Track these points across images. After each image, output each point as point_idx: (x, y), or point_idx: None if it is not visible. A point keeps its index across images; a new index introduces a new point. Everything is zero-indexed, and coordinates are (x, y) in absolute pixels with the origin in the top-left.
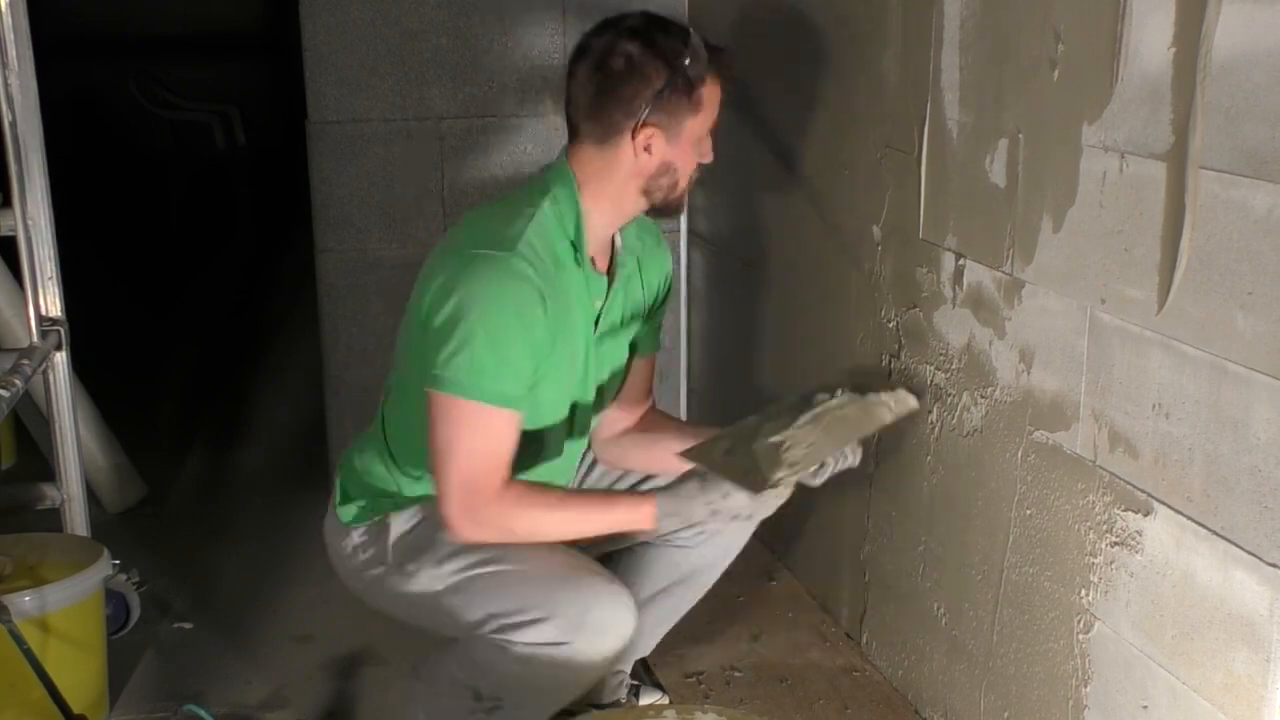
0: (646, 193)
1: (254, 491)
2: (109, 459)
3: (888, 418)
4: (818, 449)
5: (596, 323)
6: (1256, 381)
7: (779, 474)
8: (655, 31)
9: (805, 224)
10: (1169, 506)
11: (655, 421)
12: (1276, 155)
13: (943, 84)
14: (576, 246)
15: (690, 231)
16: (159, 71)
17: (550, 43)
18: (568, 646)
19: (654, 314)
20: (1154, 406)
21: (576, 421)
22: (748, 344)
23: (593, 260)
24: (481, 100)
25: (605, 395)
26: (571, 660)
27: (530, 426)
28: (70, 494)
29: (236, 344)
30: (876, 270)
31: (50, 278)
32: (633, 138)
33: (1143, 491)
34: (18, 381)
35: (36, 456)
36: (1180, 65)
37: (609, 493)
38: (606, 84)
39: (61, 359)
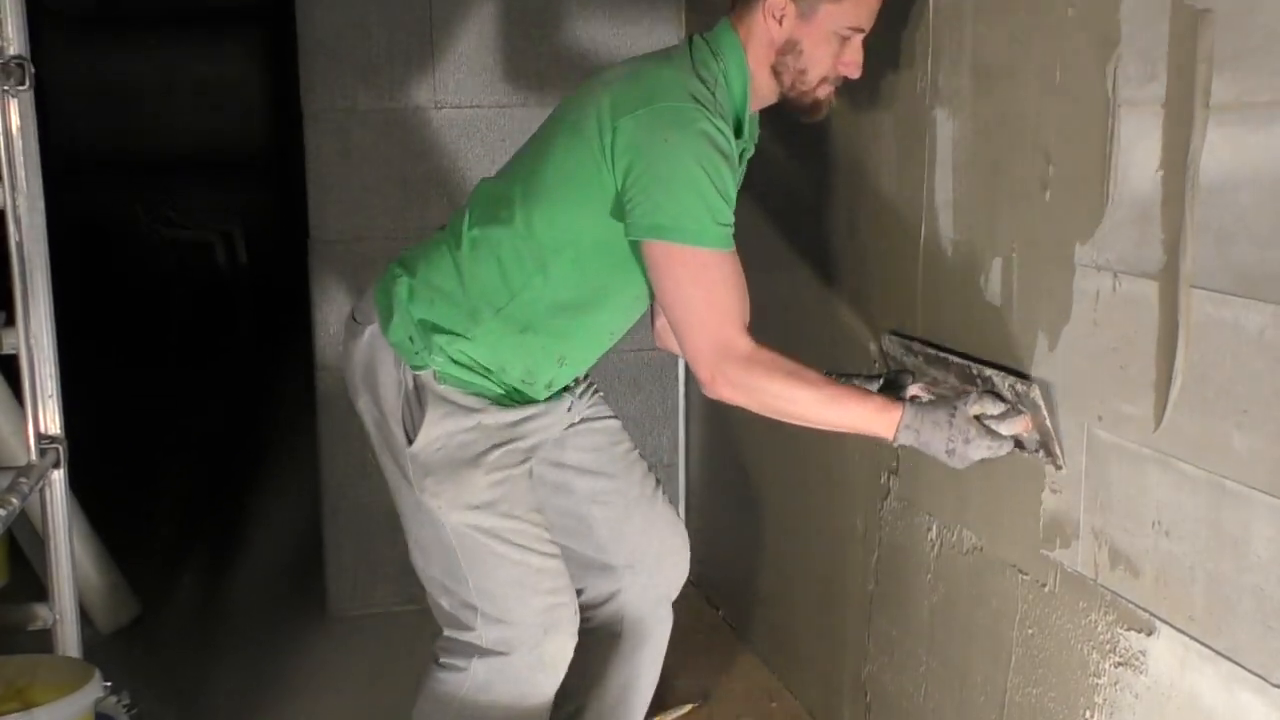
0: (776, 72)
1: (249, 610)
2: (103, 578)
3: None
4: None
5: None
6: (1255, 500)
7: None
8: None
9: (802, 340)
10: (1172, 626)
11: None
12: (1267, 275)
13: (938, 203)
14: (741, 112)
15: None
16: (164, 192)
17: None
18: (509, 662)
19: None
20: (1154, 524)
21: None
22: (746, 460)
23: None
24: None
25: None
26: (520, 682)
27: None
28: (63, 614)
29: (235, 461)
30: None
31: (50, 396)
32: (765, 1)
33: (1145, 611)
34: (15, 500)
35: (28, 573)
36: (1169, 187)
37: (861, 389)
38: None
39: (59, 477)
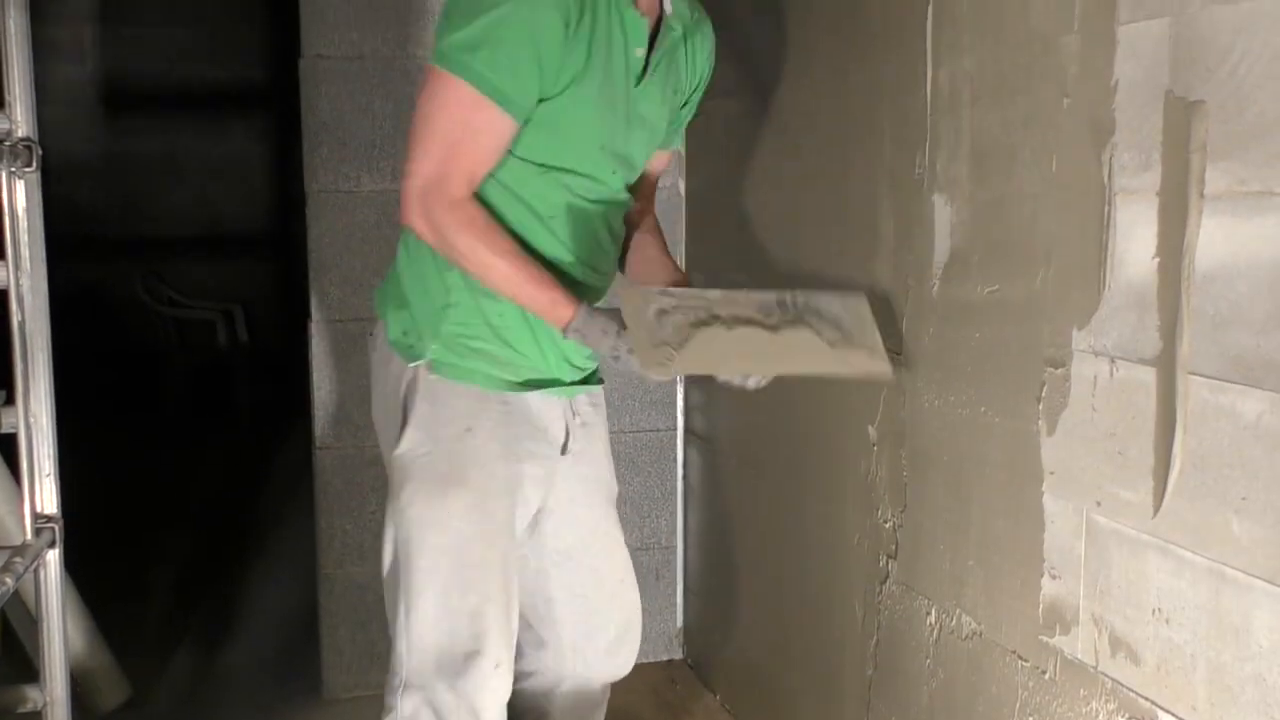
0: None
1: (242, 691)
2: (95, 659)
3: (844, 370)
4: (742, 361)
5: (640, 77)
6: (1256, 588)
7: (677, 367)
8: None
9: (801, 424)
10: (1174, 715)
11: (645, 230)
12: (1263, 362)
13: (934, 293)
14: None
15: (686, 430)
16: (165, 270)
17: None
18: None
19: (689, 100)
20: (1154, 611)
21: (617, 173)
22: (745, 543)
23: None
24: None
25: (635, 163)
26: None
27: (559, 157)
28: (53, 697)
29: (230, 540)
30: (872, 471)
31: (48, 475)
32: None
33: (1146, 699)
34: (9, 580)
35: (20, 653)
36: (1165, 274)
37: (549, 276)
38: None
39: (54, 557)
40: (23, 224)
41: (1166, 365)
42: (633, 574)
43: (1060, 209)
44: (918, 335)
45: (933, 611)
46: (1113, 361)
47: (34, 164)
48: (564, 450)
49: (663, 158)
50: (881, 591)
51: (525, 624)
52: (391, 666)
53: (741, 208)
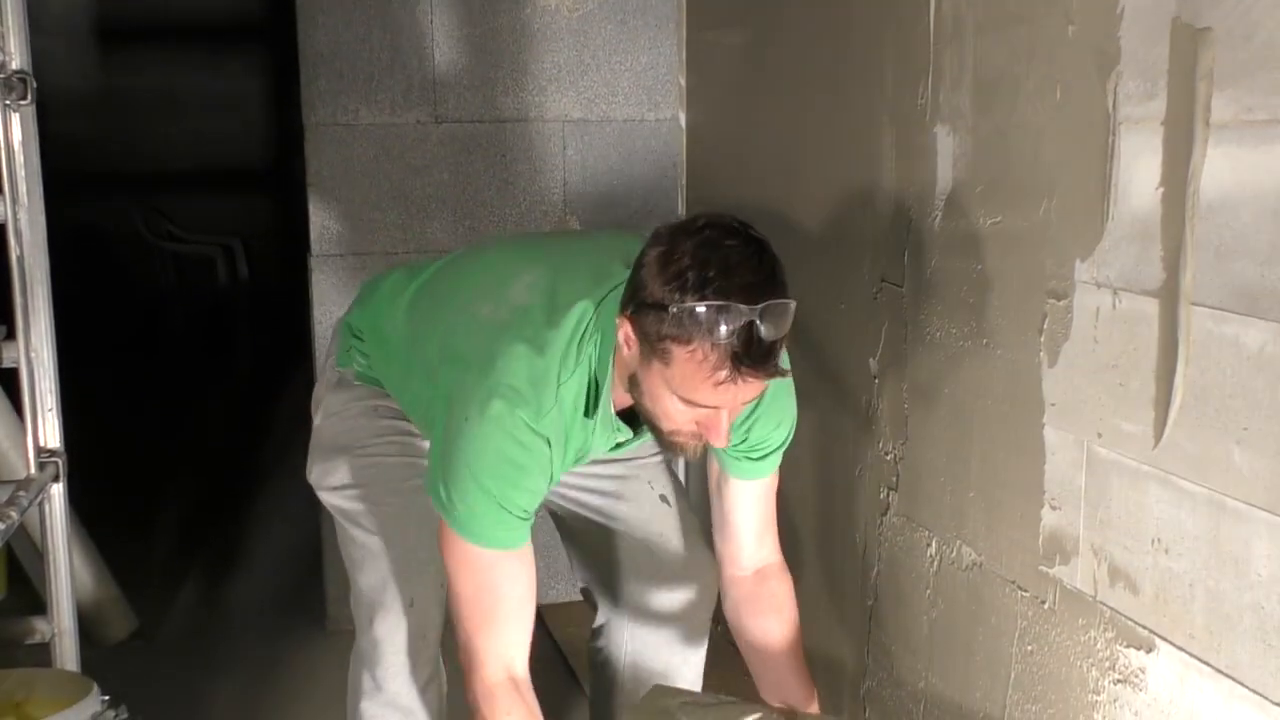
0: (628, 389)
1: (248, 624)
2: (102, 592)
3: None
4: None
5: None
6: (1255, 517)
7: None
8: (699, 252)
9: (800, 356)
10: (1171, 644)
11: (767, 598)
12: (1267, 292)
13: (937, 224)
14: (594, 404)
15: None
16: (164, 205)
17: (550, 179)
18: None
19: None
20: (1153, 541)
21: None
22: None
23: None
24: (481, 234)
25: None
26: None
27: None
28: (61, 628)
29: (234, 474)
30: (874, 403)
31: (50, 409)
32: (622, 314)
33: (1144, 628)
34: (14, 514)
35: (27, 587)
36: (1169, 205)
37: None
38: (639, 259)
39: (58, 491)
40: (18, 157)
41: (1169, 296)
42: (679, 523)
43: (1064, 139)
44: (919, 267)
45: (933, 543)
46: (1115, 293)
47: (29, 97)
48: None
49: (742, 491)
50: (882, 523)
51: (595, 579)
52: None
53: (742, 140)
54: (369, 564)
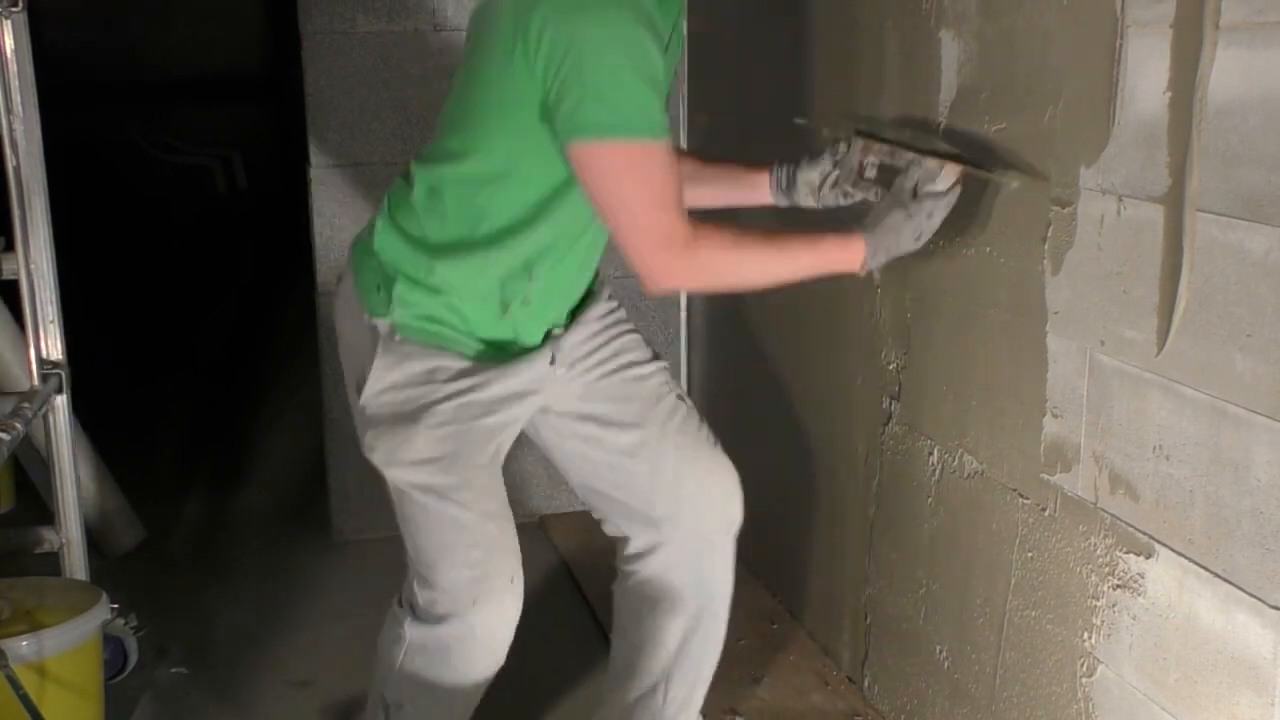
0: None
1: (254, 534)
2: (109, 503)
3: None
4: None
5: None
6: (1256, 424)
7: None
8: None
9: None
10: (1170, 549)
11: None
12: (1273, 198)
13: (940, 130)
14: None
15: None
16: (162, 116)
17: None
18: (438, 632)
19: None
20: (1154, 449)
21: None
22: (747, 387)
23: None
24: None
25: None
26: (450, 653)
27: None
28: (69, 538)
29: (237, 387)
30: (876, 313)
31: (51, 321)
32: None
33: (1144, 534)
34: (18, 425)
35: (35, 500)
36: (1176, 109)
37: (810, 236)
38: None
39: (62, 402)
40: (11, 66)
41: (1174, 203)
42: (705, 430)
43: (1071, 43)
44: None
45: (935, 451)
46: (1120, 200)
47: (20, 3)
48: (560, 364)
49: None
50: (884, 433)
51: (628, 511)
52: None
53: (744, 46)
54: (463, 543)
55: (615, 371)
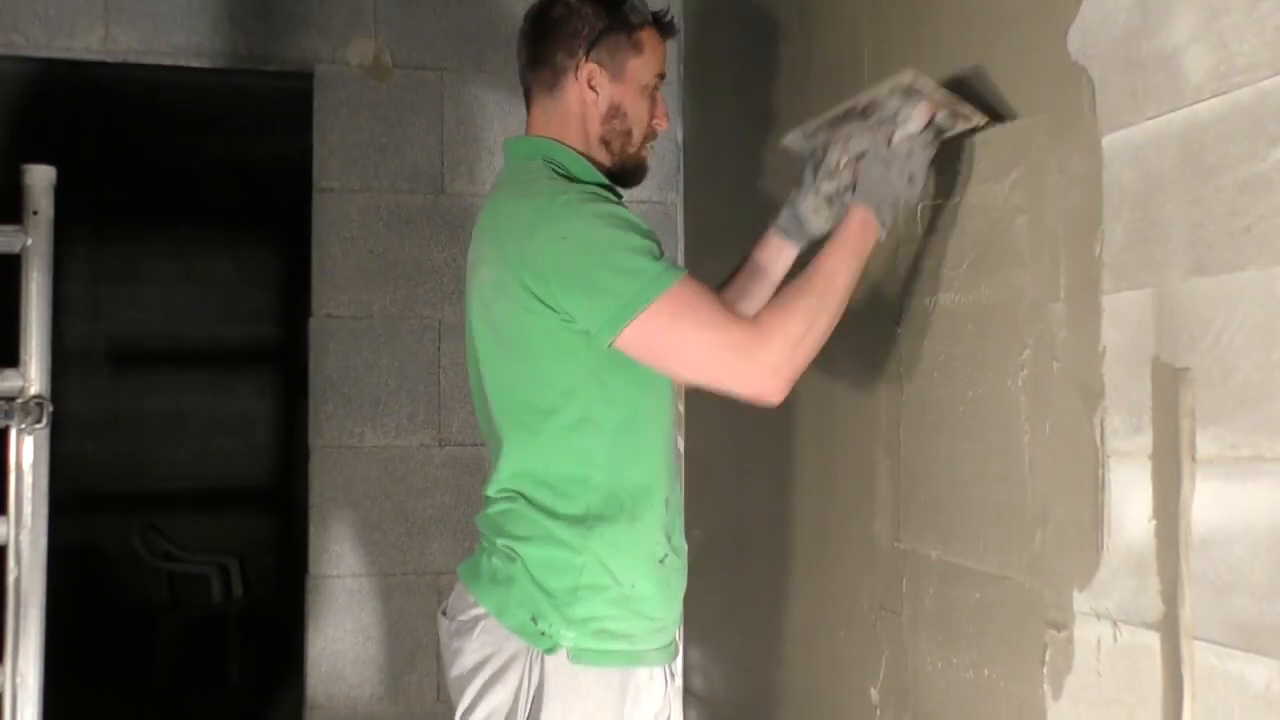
0: (605, 142)
1: None
2: None
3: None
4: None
5: None
6: None
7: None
8: None
9: (799, 685)
10: None
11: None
12: (1268, 629)
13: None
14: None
15: (686, 691)
16: (165, 523)
17: None
18: None
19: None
20: None
21: None
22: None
23: None
24: None
25: None
26: None
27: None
28: None
29: None
30: None
31: None
32: (576, 76)
33: None
34: None
35: None
36: (1163, 538)
37: (822, 251)
38: (548, 29)
39: None
40: (28, 480)
41: (1170, 630)
42: None
43: (1056, 469)
44: (918, 595)
45: None
46: (1115, 625)
47: (44, 420)
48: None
49: None
50: None
51: None
52: None
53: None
54: None
55: None
